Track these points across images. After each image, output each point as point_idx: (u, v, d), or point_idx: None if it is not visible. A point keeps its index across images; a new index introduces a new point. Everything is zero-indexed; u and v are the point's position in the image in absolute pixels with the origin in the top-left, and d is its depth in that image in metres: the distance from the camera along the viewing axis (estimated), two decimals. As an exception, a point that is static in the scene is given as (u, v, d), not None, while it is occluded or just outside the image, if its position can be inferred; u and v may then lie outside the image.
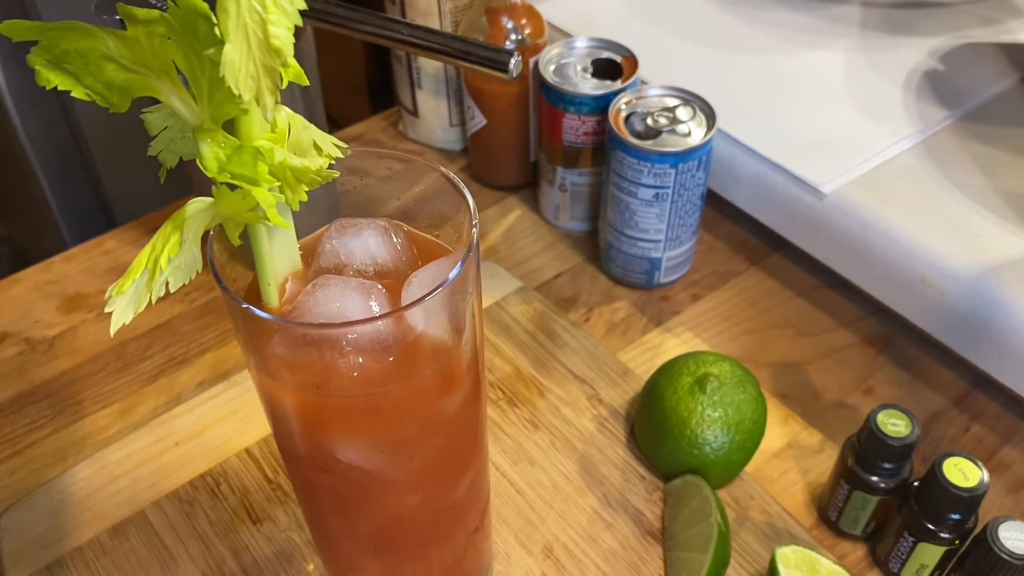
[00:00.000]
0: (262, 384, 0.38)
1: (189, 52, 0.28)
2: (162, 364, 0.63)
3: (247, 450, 0.57)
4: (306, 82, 0.31)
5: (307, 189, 0.32)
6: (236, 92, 0.28)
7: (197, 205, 0.32)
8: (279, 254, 0.35)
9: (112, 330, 0.30)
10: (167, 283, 0.31)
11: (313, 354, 0.35)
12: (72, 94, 0.29)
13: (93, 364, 0.63)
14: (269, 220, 0.31)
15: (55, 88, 0.29)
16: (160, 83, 0.29)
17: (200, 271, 0.33)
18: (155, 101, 0.31)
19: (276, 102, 0.29)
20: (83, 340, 0.64)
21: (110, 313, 0.31)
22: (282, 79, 0.29)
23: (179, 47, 0.29)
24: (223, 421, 0.59)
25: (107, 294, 0.30)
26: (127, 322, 0.31)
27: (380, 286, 0.36)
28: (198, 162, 0.30)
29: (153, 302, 0.31)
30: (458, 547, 0.47)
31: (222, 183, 0.31)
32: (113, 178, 0.99)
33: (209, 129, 0.30)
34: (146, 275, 0.31)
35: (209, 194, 0.32)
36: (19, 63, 0.88)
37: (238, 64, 0.27)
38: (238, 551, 0.52)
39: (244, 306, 0.33)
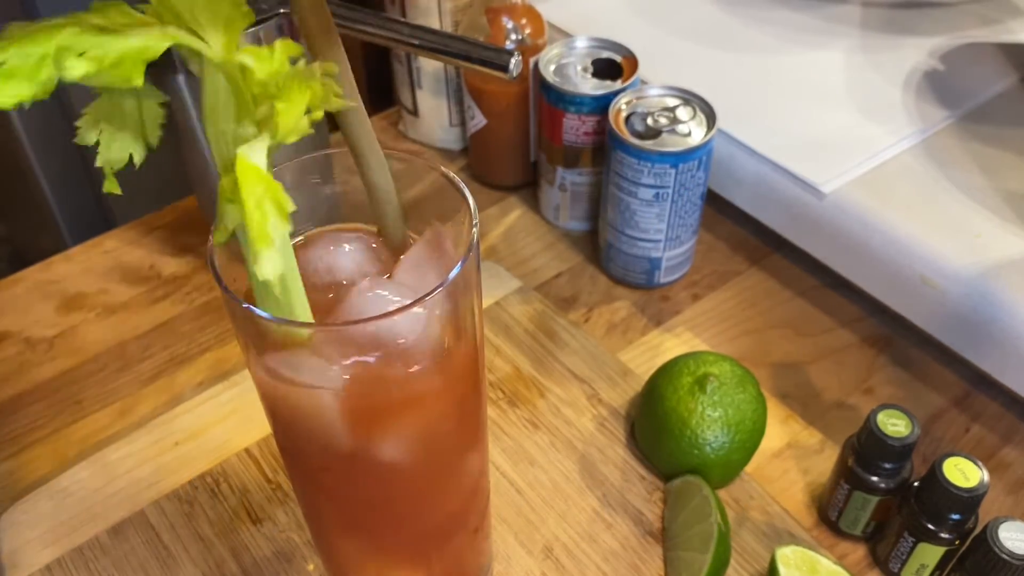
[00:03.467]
0: (262, 384, 0.38)
1: None
2: (162, 364, 0.63)
3: (247, 450, 0.57)
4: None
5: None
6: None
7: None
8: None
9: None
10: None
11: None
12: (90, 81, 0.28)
13: (93, 364, 0.63)
14: (327, 108, 0.29)
15: (56, 88, 0.28)
16: (164, 31, 0.28)
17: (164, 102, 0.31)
18: (156, 85, 0.30)
19: None
20: (83, 340, 0.64)
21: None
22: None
23: None
24: (223, 421, 0.58)
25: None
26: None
27: (381, 287, 0.36)
28: (246, 76, 0.29)
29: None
30: (458, 547, 0.47)
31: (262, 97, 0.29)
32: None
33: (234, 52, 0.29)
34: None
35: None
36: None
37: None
38: (238, 551, 0.52)
39: (244, 306, 0.33)
